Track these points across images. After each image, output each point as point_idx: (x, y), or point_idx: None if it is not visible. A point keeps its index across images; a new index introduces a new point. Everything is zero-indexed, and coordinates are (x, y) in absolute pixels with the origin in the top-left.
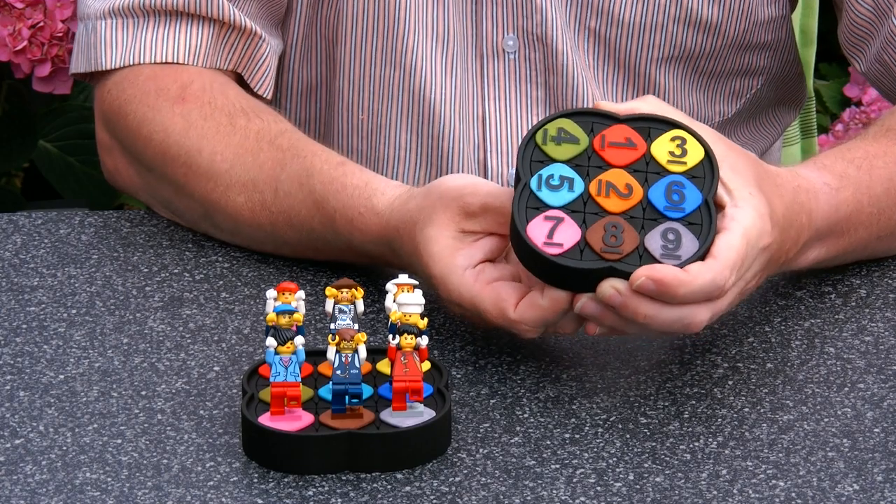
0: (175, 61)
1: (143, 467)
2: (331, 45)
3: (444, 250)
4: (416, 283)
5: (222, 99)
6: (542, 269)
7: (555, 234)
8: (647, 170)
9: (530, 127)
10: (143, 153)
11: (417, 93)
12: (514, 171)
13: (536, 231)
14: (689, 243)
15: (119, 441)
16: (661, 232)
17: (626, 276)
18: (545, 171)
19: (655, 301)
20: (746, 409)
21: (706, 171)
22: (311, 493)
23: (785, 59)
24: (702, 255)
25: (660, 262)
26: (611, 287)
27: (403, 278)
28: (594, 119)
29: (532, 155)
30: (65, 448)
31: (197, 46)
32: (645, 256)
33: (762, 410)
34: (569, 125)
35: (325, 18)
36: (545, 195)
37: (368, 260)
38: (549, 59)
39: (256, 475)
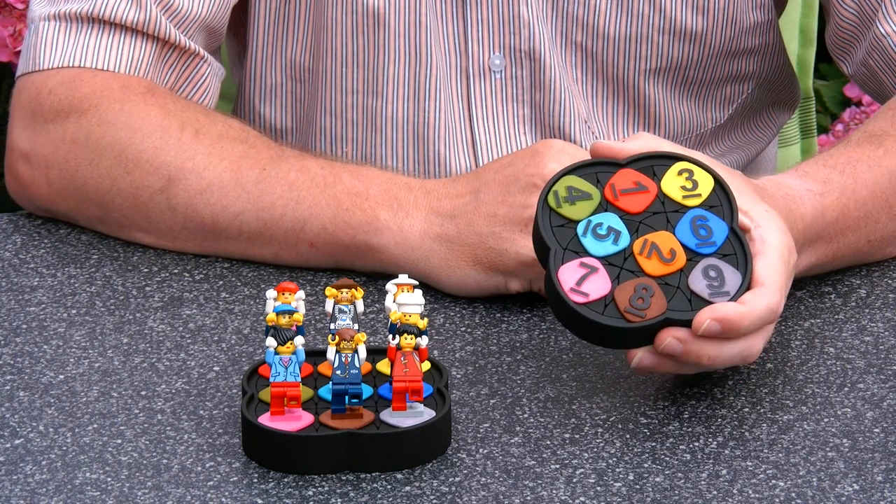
0: (117, 71)
1: (143, 467)
2: (302, 84)
3: None
4: (416, 283)
5: (187, 101)
6: (562, 312)
7: (584, 283)
8: (665, 209)
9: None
10: (99, 141)
11: (401, 120)
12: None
13: (567, 275)
14: (732, 276)
15: (119, 441)
16: (702, 271)
17: (638, 334)
18: (595, 218)
19: (717, 341)
20: (746, 409)
21: (721, 199)
22: (311, 493)
23: (774, 62)
24: (747, 284)
25: (710, 302)
26: (671, 338)
27: (403, 278)
28: (597, 169)
29: (551, 220)
30: (65, 448)
31: (139, 60)
32: (694, 300)
33: (762, 410)
34: (576, 181)
35: (295, 61)
36: (588, 242)
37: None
38: (537, 76)
39: (256, 475)
